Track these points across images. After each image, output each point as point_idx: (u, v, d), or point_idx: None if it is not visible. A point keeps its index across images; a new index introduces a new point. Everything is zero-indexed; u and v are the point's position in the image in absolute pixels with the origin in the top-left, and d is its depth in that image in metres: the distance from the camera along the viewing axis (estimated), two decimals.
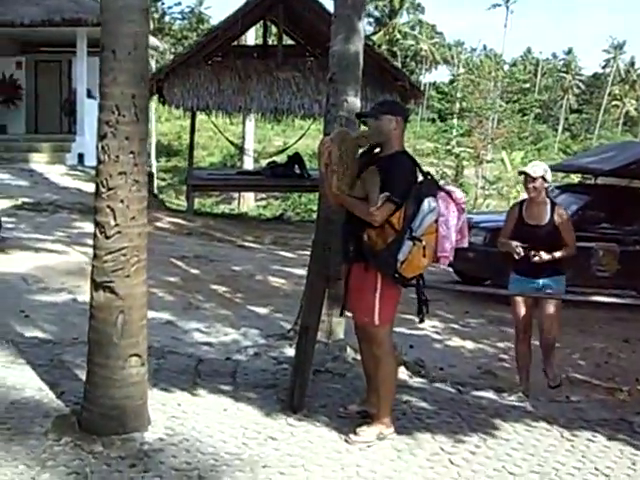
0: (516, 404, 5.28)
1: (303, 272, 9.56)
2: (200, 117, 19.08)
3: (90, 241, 10.06)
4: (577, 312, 9.98)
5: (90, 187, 15.87)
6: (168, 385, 5.16)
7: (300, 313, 6.54)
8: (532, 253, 6.02)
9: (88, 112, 19.30)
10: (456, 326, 8.52)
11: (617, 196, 11.11)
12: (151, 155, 36.77)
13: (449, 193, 4.42)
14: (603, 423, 4.93)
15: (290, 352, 6.24)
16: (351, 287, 4.48)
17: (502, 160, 30.66)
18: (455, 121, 40.33)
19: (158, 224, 13.86)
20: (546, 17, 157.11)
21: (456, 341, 7.87)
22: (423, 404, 5.12)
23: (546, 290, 6.21)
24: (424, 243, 4.25)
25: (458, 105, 41.08)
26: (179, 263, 10.16)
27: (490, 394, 5.50)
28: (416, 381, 5.86)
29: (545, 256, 5.99)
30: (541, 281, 6.23)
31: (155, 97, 16.64)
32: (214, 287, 9.13)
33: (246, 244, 13.54)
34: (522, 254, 6.03)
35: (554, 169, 17.33)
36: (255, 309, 8.23)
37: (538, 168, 6.21)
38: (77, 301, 7.66)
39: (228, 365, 5.78)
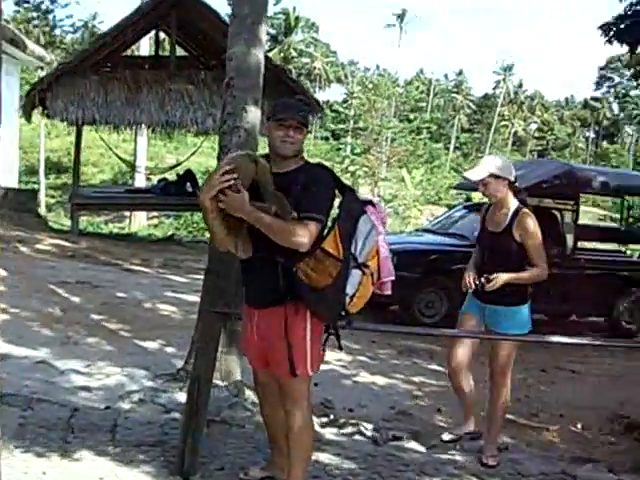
0: (442, 457, 4.68)
1: (195, 298, 8.79)
2: (92, 134, 17.99)
3: None
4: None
5: None
6: (33, 446, 4.33)
7: (190, 351, 5.78)
8: (484, 277, 4.77)
9: None
10: (364, 358, 7.86)
11: None
12: (39, 172, 35.47)
13: (373, 205, 3.82)
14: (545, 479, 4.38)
15: (180, 397, 5.47)
16: (262, 335, 3.75)
17: (402, 178, 30.62)
18: (349, 139, 40.31)
19: (39, 246, 12.76)
20: (438, 38, 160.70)
21: (365, 376, 7.21)
22: (337, 461, 4.46)
23: (491, 324, 5.06)
24: (372, 269, 3.67)
25: (352, 124, 41.09)
26: (59, 290, 9.18)
27: (412, 444, 4.89)
28: (327, 431, 5.20)
29: (499, 279, 4.68)
30: (489, 308, 5.01)
31: (39, 110, 15.42)
32: (97, 317, 8.21)
33: (134, 267, 12.58)
34: (472, 288, 5.01)
35: (460, 187, 17.17)
36: (142, 343, 7.36)
37: (482, 167, 4.94)
38: None
39: (108, 416, 4.97)
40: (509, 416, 6.36)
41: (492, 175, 4.81)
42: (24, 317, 7.69)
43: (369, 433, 5.36)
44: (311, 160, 3.86)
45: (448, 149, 74.52)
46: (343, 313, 3.69)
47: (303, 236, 3.46)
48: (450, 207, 19.68)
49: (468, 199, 41.81)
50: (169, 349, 7.30)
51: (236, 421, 4.89)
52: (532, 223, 4.80)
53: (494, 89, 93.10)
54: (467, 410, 5.62)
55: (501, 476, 4.50)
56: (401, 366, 7.78)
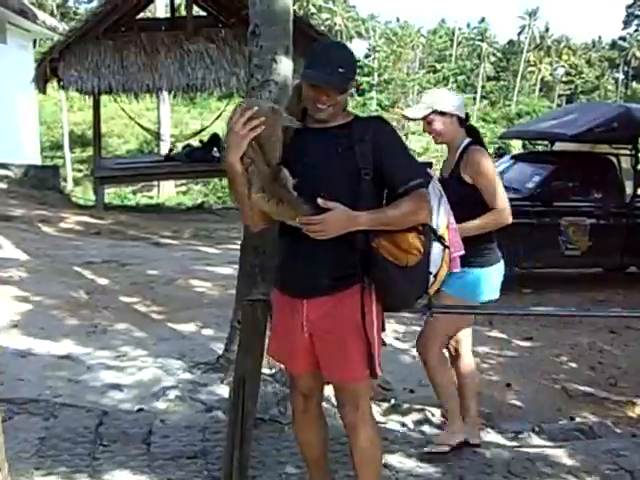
0: (529, 451, 4.00)
1: (231, 271, 8.14)
2: (114, 104, 17.32)
3: None
4: (550, 298, 8.92)
5: None
6: (56, 465, 3.73)
7: (230, 337, 5.13)
8: None
9: None
10: (418, 328, 7.15)
11: (583, 164, 9.95)
12: (64, 146, 34.99)
13: (431, 167, 3.33)
14: None
15: (222, 391, 4.85)
16: (321, 329, 2.95)
17: None
18: (374, 93, 39.25)
19: (62, 224, 12.16)
20: None
21: None
22: (409, 464, 3.82)
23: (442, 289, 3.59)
24: (446, 242, 3.09)
25: (377, 77, 39.99)
26: (84, 272, 8.56)
27: (491, 435, 4.22)
28: (390, 420, 4.55)
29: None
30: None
31: (54, 82, 14.68)
32: (126, 300, 7.58)
33: (163, 240, 11.95)
34: None
35: (505, 136, 16.26)
36: (176, 326, 6.73)
37: (423, 103, 4.05)
38: None
39: (141, 420, 4.34)
40: (586, 388, 5.70)
41: (435, 112, 3.97)
42: (47, 305, 7.08)
43: (437, 420, 4.71)
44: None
45: (474, 99, 72.96)
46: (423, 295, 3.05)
47: (424, 209, 2.86)
48: (499, 156, 18.72)
49: (500, 149, 40.79)
50: (206, 331, 6.67)
51: (288, 419, 4.23)
52: (483, 160, 3.95)
53: (519, 35, 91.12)
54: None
55: (601, 474, 3.81)
56: None
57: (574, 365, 6.40)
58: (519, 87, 79.27)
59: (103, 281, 8.24)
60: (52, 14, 39.19)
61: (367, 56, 60.75)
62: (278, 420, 4.26)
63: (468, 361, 4.34)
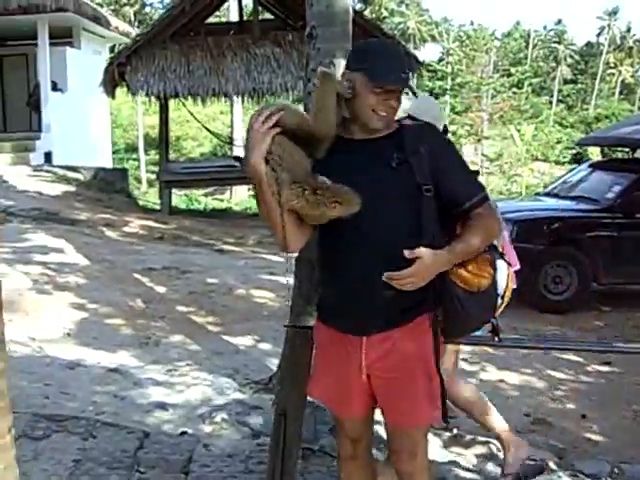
0: None
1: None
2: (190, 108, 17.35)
3: (38, 257, 8.47)
4: (631, 317, 8.39)
5: (54, 189, 14.33)
6: None
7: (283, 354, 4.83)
8: None
9: (54, 106, 17.66)
10: (486, 347, 6.77)
11: None
12: (139, 149, 35.41)
13: (477, 175, 2.93)
14: None
15: (271, 414, 4.55)
16: (383, 369, 2.57)
17: (509, 135, 28.88)
18: (448, 98, 38.63)
19: (126, 229, 12.10)
20: None
21: (491, 371, 6.14)
22: None
23: None
24: (507, 258, 2.88)
25: (450, 82, 39.38)
26: (143, 279, 8.41)
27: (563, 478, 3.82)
28: (452, 453, 4.20)
29: None
30: None
31: (124, 86, 14.69)
32: (183, 309, 7.39)
33: (226, 247, 11.76)
34: None
35: (584, 143, 15.53)
36: (232, 340, 6.50)
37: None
38: None
39: (183, 445, 4.08)
40: None
41: (410, 117, 3.54)
42: (102, 313, 6.93)
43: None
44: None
45: (551, 103, 71.33)
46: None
47: (497, 223, 2.63)
48: (577, 162, 17.97)
49: (578, 155, 39.59)
50: (263, 345, 6.41)
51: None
52: None
53: (598, 36, 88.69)
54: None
55: None
56: (531, 356, 6.59)
57: None
58: (598, 90, 77.15)
59: (161, 289, 8.07)
60: (130, 22, 39.78)
61: (440, 60, 60.09)
62: (328, 452, 3.94)
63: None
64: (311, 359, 2.97)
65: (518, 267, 3.02)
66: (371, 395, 2.62)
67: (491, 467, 4.11)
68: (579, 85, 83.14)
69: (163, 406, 4.73)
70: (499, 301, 2.70)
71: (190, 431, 4.30)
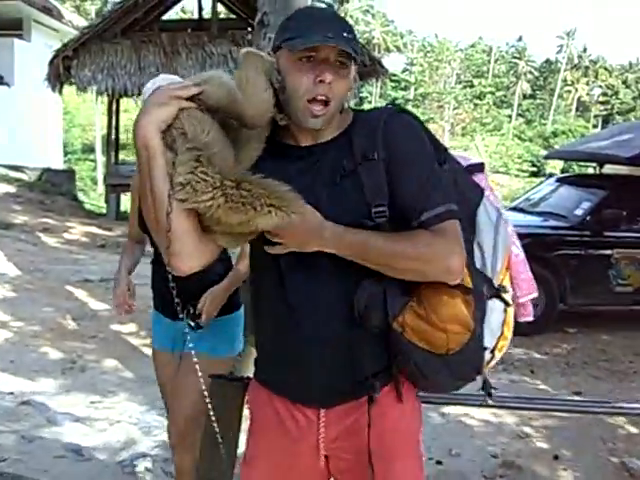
0: None
1: None
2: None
3: None
4: (596, 339, 7.92)
5: None
6: None
7: None
8: None
9: None
10: None
11: (638, 190, 8.87)
12: (96, 149, 34.26)
13: (482, 169, 2.04)
14: None
15: None
16: (342, 458, 1.91)
17: (472, 147, 28.60)
18: (411, 108, 38.48)
19: (66, 235, 11.30)
20: (495, 3, 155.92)
21: (455, 406, 5.55)
22: None
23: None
24: (509, 291, 1.94)
25: (413, 92, 39.13)
26: (78, 292, 7.69)
27: None
28: None
29: None
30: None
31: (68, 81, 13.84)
32: (118, 328, 6.69)
33: None
34: None
35: (551, 156, 15.13)
36: None
37: None
38: None
39: None
40: None
41: None
42: (25, 332, 6.21)
43: None
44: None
45: (510, 117, 71.82)
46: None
47: (455, 253, 1.73)
48: (535, 175, 17.56)
49: (537, 168, 39.65)
50: None
51: None
52: None
53: (557, 53, 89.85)
54: None
55: None
56: (497, 386, 6.02)
57: (634, 430, 5.36)
58: (555, 106, 78.02)
59: (96, 304, 7.34)
60: (91, 19, 38.68)
61: (404, 70, 59.86)
62: None
63: None
64: (240, 419, 2.32)
65: (535, 294, 2.10)
66: None
67: None
68: (538, 100, 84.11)
69: (78, 451, 4.04)
70: (487, 356, 1.91)
71: None
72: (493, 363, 1.96)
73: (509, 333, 1.95)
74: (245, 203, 1.59)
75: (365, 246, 1.70)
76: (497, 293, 1.88)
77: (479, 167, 2.00)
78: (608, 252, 8.28)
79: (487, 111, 49.44)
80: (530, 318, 2.09)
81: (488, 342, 1.86)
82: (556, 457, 4.80)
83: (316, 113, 1.72)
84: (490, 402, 2.10)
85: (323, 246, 1.70)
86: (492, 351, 1.90)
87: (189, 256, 1.71)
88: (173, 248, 1.66)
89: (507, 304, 1.90)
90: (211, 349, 2.89)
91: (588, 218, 8.42)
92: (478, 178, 1.97)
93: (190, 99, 1.65)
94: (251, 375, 2.05)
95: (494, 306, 1.87)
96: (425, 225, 1.72)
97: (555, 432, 5.23)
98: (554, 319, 8.24)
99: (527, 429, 5.25)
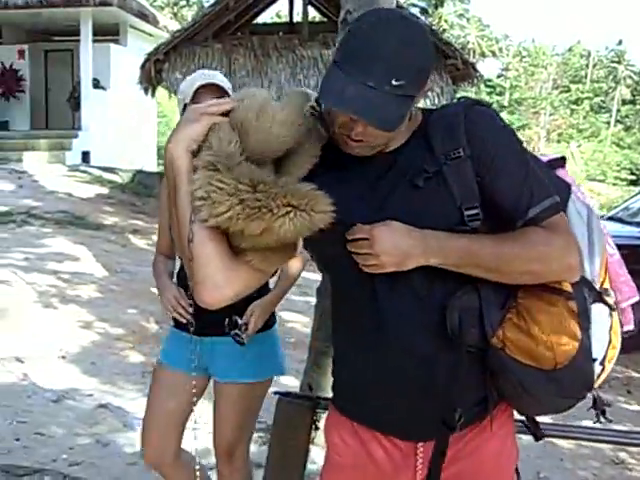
0: None
1: None
2: None
3: (52, 265, 7.77)
4: None
5: (86, 191, 13.68)
6: None
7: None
8: None
9: (95, 104, 17.14)
10: None
11: None
12: None
13: (564, 164, 1.80)
14: None
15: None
16: None
17: (572, 154, 27.78)
18: (505, 115, 37.73)
19: (155, 237, 11.33)
20: (594, 8, 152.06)
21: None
22: None
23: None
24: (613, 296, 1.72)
25: (508, 98, 38.42)
26: None
27: None
28: None
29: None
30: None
31: (160, 84, 13.98)
32: None
33: None
34: None
35: None
36: None
37: None
38: None
39: None
40: None
41: None
42: (108, 334, 6.18)
43: None
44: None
45: (608, 123, 69.72)
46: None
47: (572, 247, 1.56)
48: (634, 184, 16.87)
49: (636, 177, 38.25)
50: (284, 380, 5.58)
51: None
52: None
53: None
54: None
55: None
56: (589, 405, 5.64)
57: None
58: None
59: None
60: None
61: (499, 76, 58.98)
62: None
63: None
64: (309, 442, 2.13)
65: (637, 298, 1.84)
66: None
67: None
68: (638, 106, 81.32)
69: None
70: (598, 368, 1.68)
71: None
72: (604, 376, 1.72)
73: (617, 341, 1.72)
74: (261, 207, 1.39)
75: (474, 251, 1.51)
76: (600, 297, 1.66)
77: (561, 162, 1.78)
78: None
79: (584, 117, 48.12)
80: (631, 327, 1.82)
81: (596, 353, 1.63)
82: None
83: (354, 147, 1.55)
84: (602, 420, 1.83)
85: (427, 257, 1.51)
86: (602, 362, 1.67)
87: (215, 286, 1.51)
88: (197, 277, 1.50)
89: (612, 308, 1.68)
90: (253, 374, 2.64)
91: None
92: (560, 174, 1.75)
93: (226, 115, 1.50)
94: (324, 394, 1.86)
95: (598, 312, 1.65)
96: (534, 222, 1.54)
97: None
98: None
99: (622, 455, 4.89)
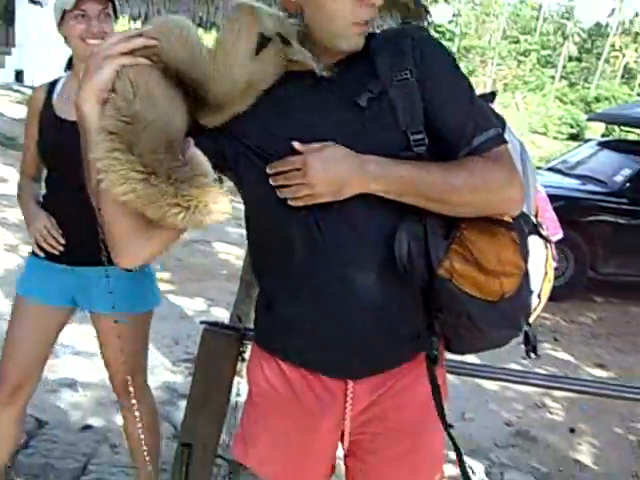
0: None
1: None
2: None
3: None
4: (623, 311, 7.65)
5: (18, 111, 13.24)
6: None
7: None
8: None
9: (30, 20, 16.51)
10: None
11: None
12: None
13: (493, 99, 1.76)
14: None
15: None
16: (365, 434, 1.68)
17: (513, 104, 27.95)
18: None
19: None
20: None
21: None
22: None
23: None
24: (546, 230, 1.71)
25: (457, 44, 38.39)
26: None
27: None
28: None
29: None
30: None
31: None
32: None
33: None
34: None
35: (595, 118, 14.57)
36: (180, 301, 5.70)
37: None
38: None
39: (79, 446, 3.23)
40: None
41: None
42: None
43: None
44: None
45: (553, 78, 70.37)
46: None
47: (515, 179, 1.51)
48: (573, 139, 17.06)
49: (577, 133, 38.86)
50: (215, 311, 5.59)
51: None
52: None
53: (608, 17, 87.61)
54: None
55: None
56: (518, 351, 5.72)
57: None
58: (601, 71, 76.29)
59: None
60: None
61: (450, 22, 58.82)
62: None
63: None
64: (233, 375, 2.10)
65: (561, 235, 1.87)
66: (334, 458, 1.74)
67: None
68: (583, 64, 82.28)
69: (73, 385, 3.87)
70: (534, 302, 1.67)
71: (97, 424, 3.45)
72: (540, 309, 1.71)
73: (552, 274, 1.70)
74: (152, 200, 1.33)
75: (418, 180, 1.43)
76: (536, 229, 1.64)
77: (490, 96, 1.73)
78: None
79: (530, 70, 48.47)
80: (554, 264, 1.79)
81: (534, 285, 1.60)
82: (572, 430, 4.62)
83: (360, 32, 1.48)
84: (532, 356, 1.82)
85: (367, 185, 1.43)
86: (538, 295, 1.67)
87: (128, 252, 1.48)
88: (110, 243, 1.46)
89: (547, 240, 1.67)
90: (131, 306, 2.50)
91: (628, 185, 8.05)
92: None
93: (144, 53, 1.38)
94: (250, 326, 1.82)
95: (534, 244, 1.62)
96: (477, 151, 1.48)
97: (573, 404, 5.02)
98: (582, 286, 7.95)
99: (545, 399, 5.04)
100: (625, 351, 6.41)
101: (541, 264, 1.64)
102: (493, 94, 1.75)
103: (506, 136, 1.60)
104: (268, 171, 1.45)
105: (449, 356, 1.77)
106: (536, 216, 1.68)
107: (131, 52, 1.37)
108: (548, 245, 1.66)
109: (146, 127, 1.32)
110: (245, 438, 1.73)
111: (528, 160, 1.69)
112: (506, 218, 1.52)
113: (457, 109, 1.49)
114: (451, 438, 1.63)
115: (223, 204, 1.37)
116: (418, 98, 1.47)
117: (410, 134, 1.46)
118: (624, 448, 4.48)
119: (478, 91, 1.67)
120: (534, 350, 1.68)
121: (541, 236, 1.64)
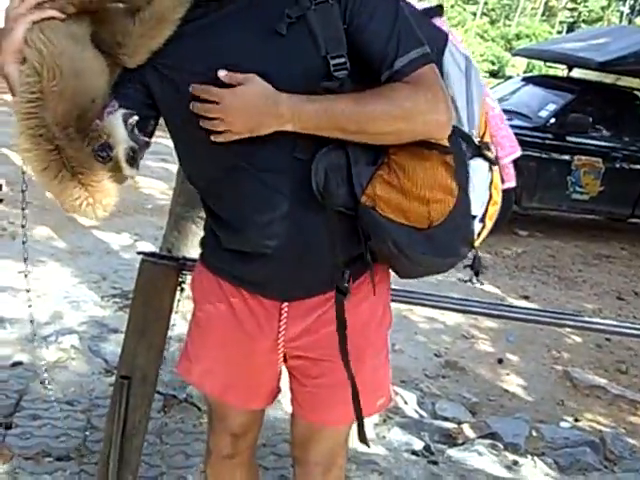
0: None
1: None
2: None
3: None
4: (547, 245, 7.85)
5: None
6: None
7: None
8: None
9: None
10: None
11: (605, 97, 8.58)
12: None
13: (441, 14, 1.67)
14: None
15: None
16: (301, 357, 1.68)
17: None
18: None
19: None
20: None
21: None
22: None
23: None
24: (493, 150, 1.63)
25: None
26: (14, 155, 7.25)
27: (478, 446, 3.12)
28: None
29: None
30: None
31: None
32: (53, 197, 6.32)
33: None
34: None
35: (520, 54, 14.63)
36: (105, 237, 5.58)
37: None
38: None
39: (11, 382, 3.15)
40: (594, 378, 4.59)
41: None
42: None
43: (414, 413, 3.62)
44: None
45: (475, 14, 70.58)
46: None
47: (441, 102, 1.44)
48: (494, 76, 17.18)
49: (498, 69, 39.21)
50: (141, 245, 5.48)
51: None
52: None
53: None
54: None
55: None
56: (445, 284, 5.81)
57: (578, 340, 5.29)
58: (522, 8, 76.80)
59: None
60: None
61: None
62: (195, 404, 3.09)
63: None
64: (172, 305, 2.05)
65: (519, 153, 1.79)
66: (279, 380, 1.75)
67: (398, 430, 3.34)
68: (504, 0, 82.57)
69: (0, 321, 3.75)
70: (478, 226, 1.63)
71: (27, 360, 3.36)
72: (485, 234, 1.68)
73: (498, 197, 1.66)
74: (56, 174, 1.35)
75: (333, 113, 1.39)
76: (479, 151, 1.58)
77: (437, 11, 1.65)
78: (568, 158, 8.07)
79: (452, 6, 48.31)
80: (513, 184, 1.79)
81: (476, 209, 1.57)
82: (500, 361, 4.72)
83: None
84: (476, 284, 1.82)
85: (283, 123, 1.39)
86: (482, 220, 1.63)
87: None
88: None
89: (492, 162, 1.61)
90: None
91: (552, 121, 8.16)
92: (438, 23, 1.64)
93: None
94: (189, 256, 1.77)
95: (477, 167, 1.57)
96: (399, 74, 1.42)
97: (500, 335, 5.13)
98: (506, 220, 8.09)
99: (472, 330, 5.14)
100: (549, 283, 6.57)
101: (485, 187, 1.60)
102: (440, 7, 1.68)
103: (448, 53, 1.57)
104: (191, 90, 1.39)
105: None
106: (483, 136, 1.62)
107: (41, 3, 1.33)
108: (494, 168, 1.62)
109: (58, 99, 1.28)
110: (189, 356, 1.75)
111: (475, 76, 1.62)
112: (443, 142, 1.47)
113: (378, 31, 1.43)
114: (350, 374, 1.61)
115: (110, 198, 1.38)
116: (339, 21, 1.41)
117: (330, 59, 1.41)
118: (550, 377, 4.60)
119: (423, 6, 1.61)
120: (477, 274, 1.70)
121: (486, 158, 1.59)
